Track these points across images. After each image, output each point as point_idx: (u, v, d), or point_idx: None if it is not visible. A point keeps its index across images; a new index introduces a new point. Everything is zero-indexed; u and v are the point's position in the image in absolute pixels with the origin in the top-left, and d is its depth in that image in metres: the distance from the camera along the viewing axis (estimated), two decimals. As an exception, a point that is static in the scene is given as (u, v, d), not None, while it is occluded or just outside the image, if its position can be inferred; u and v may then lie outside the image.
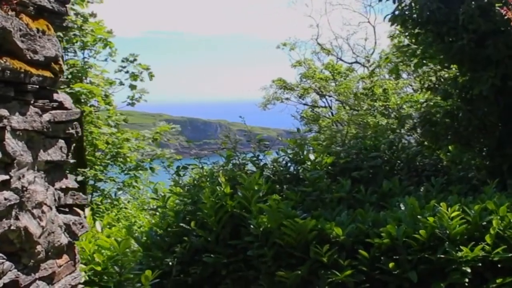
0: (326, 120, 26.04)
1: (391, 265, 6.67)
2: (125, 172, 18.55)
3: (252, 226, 7.55)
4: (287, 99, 30.16)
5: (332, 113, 27.70)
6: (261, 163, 9.70)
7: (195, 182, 9.61)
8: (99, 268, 5.96)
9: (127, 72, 19.07)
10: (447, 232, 6.61)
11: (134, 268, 7.48)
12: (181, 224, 8.37)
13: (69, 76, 17.15)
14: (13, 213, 3.36)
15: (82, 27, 17.45)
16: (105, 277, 6.11)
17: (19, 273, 3.48)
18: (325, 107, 29.01)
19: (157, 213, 9.85)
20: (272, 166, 9.64)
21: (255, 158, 9.76)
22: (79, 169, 17.08)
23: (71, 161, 4.18)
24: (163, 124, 19.94)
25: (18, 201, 3.36)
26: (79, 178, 17.03)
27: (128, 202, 15.79)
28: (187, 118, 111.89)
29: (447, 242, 6.59)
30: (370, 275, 6.82)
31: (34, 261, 3.67)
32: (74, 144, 4.21)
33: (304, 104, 29.54)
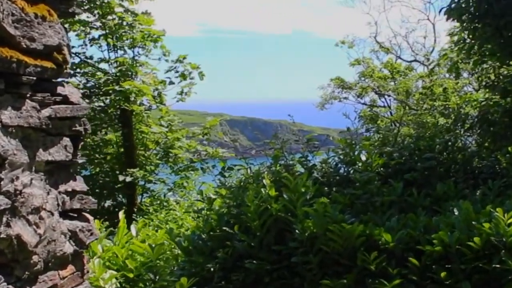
0: (384, 120, 25.59)
1: (443, 274, 6.32)
2: (176, 172, 18.49)
3: (297, 231, 7.29)
4: (345, 98, 29.84)
5: (391, 112, 27.23)
6: (310, 164, 9.40)
7: (241, 183, 9.39)
8: (131, 275, 5.78)
9: (177, 71, 19.00)
10: (504, 240, 6.21)
11: (175, 273, 7.32)
12: (224, 228, 8.15)
13: (118, 74, 17.18)
14: (4, 219, 3.10)
15: (132, 24, 17.46)
16: (140, 284, 5.92)
17: (10, 286, 3.22)
18: (384, 106, 28.52)
19: (201, 216, 9.66)
20: (321, 167, 9.33)
21: (303, 159, 9.46)
22: (128, 170, 17.08)
23: (80, 160, 3.90)
24: (211, 119, 19.71)
25: (9, 206, 3.09)
26: (128, 178, 17.12)
27: (177, 203, 15.65)
28: (248, 118, 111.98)
29: (503, 251, 6.19)
30: (420, 285, 6.48)
31: (30, 273, 3.41)
32: (82, 142, 3.95)
33: (363, 104, 29.13)
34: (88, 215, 3.86)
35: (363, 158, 8.97)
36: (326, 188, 8.59)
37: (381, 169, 8.88)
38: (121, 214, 6.38)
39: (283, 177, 8.27)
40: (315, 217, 7.17)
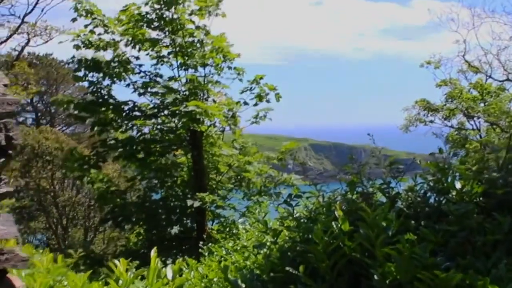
0: (473, 143, 23.57)
1: None
2: (248, 197, 17.16)
3: (375, 277, 5.61)
4: (431, 121, 27.96)
5: (480, 135, 25.15)
6: (393, 192, 7.64)
7: (312, 214, 7.77)
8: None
9: (252, 92, 17.78)
10: None
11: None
12: (287, 269, 6.52)
13: (187, 93, 16.09)
14: None
15: (204, 41, 16.36)
16: None
17: None
18: (473, 129, 26.45)
19: (262, 252, 8.11)
20: (406, 196, 7.56)
21: (385, 186, 7.71)
22: (198, 194, 15.92)
23: (5, 190, 2.35)
24: (287, 143, 18.32)
25: None
26: (196, 203, 15.93)
27: (246, 231, 14.21)
28: (332, 143, 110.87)
29: None
30: None
31: None
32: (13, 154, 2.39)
33: (450, 127, 27.14)
34: (15, 280, 2.30)
35: (458, 185, 7.15)
36: (413, 222, 6.82)
37: (481, 199, 7.03)
38: (153, 253, 4.84)
39: (359, 208, 6.59)
40: (398, 260, 5.50)
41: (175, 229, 17.48)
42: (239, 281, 7.06)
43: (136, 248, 18.50)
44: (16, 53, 24.56)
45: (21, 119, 47.35)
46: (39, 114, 47.84)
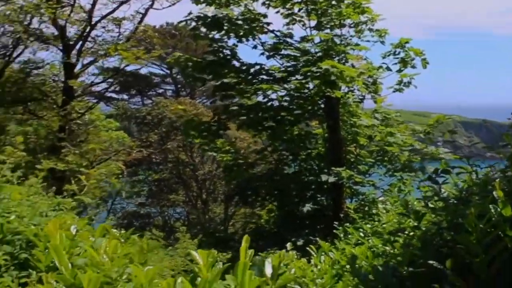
0: None
1: None
2: (391, 173, 15.88)
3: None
4: None
5: None
6: None
7: (463, 194, 6.45)
8: None
9: (396, 57, 16.40)
10: None
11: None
12: (431, 262, 5.32)
13: (320, 54, 15.00)
14: None
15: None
16: None
17: None
18: None
19: (401, 236, 6.89)
20: None
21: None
22: (333, 168, 14.89)
23: None
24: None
25: None
26: (331, 179, 14.87)
27: (387, 212, 12.95)
28: (482, 120, 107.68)
29: None
30: None
31: None
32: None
33: None
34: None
35: None
36: None
37: None
38: (245, 241, 3.78)
39: (527, 187, 5.26)
40: None
41: (307, 207, 16.53)
42: (370, 276, 5.94)
43: (268, 227, 17.78)
44: (140, 16, 24.49)
45: (160, 91, 48.09)
46: (179, 86, 48.25)
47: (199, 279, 3.68)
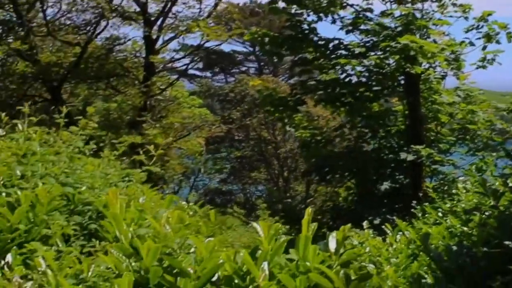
0: None
1: None
2: (472, 152, 15.37)
3: None
4: None
5: None
6: None
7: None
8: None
9: (479, 31, 15.73)
10: None
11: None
12: (507, 243, 5.09)
13: (400, 29, 14.58)
14: None
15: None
16: None
17: None
18: None
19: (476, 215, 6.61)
20: None
21: None
22: (413, 146, 14.54)
23: None
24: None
25: None
26: (410, 157, 14.52)
27: (467, 191, 12.54)
28: None
29: None
30: None
31: None
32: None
33: None
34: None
35: None
36: None
37: None
38: (307, 213, 3.67)
39: None
40: None
41: (385, 185, 16.25)
42: (443, 255, 5.70)
43: (345, 205, 17.56)
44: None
45: (243, 68, 48.00)
46: (262, 63, 48.08)
47: (259, 251, 3.57)
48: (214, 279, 3.48)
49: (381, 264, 6.68)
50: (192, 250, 3.74)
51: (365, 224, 7.72)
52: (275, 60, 42.94)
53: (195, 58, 30.64)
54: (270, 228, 3.63)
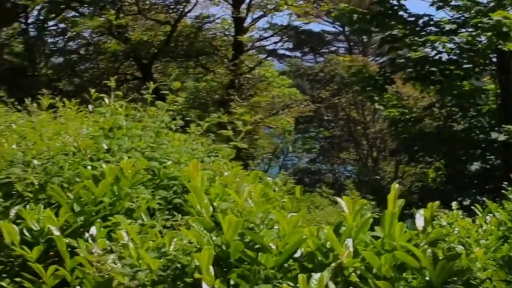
0: None
1: None
2: None
3: None
4: None
5: None
6: None
7: None
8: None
9: None
10: None
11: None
12: None
13: (492, 4, 14.07)
14: None
15: None
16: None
17: None
18: None
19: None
20: None
21: None
22: (503, 126, 14.12)
23: None
24: None
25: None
26: (502, 137, 14.07)
27: None
28: None
29: None
30: None
31: None
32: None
33: None
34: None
35: None
36: None
37: None
38: (393, 189, 3.57)
39: None
40: None
41: (476, 166, 15.83)
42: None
43: (434, 185, 17.20)
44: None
45: (333, 48, 47.52)
46: (351, 43, 47.45)
47: (343, 228, 3.48)
48: (296, 255, 3.41)
49: (470, 246, 6.47)
50: (275, 225, 3.69)
51: (454, 205, 7.50)
52: (365, 40, 42.47)
53: (284, 38, 30.53)
54: (355, 204, 3.54)
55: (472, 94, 16.90)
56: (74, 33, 26.51)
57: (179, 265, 3.36)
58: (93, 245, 3.50)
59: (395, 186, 3.69)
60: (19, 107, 6.42)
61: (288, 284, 3.14)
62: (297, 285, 3.01)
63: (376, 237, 3.60)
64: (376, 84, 17.08)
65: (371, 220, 3.64)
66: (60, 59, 29.10)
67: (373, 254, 3.36)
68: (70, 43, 28.24)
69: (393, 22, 16.25)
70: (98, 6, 23.78)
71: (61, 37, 28.09)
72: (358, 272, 3.40)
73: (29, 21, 27.21)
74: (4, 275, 3.92)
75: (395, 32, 16.40)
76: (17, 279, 3.76)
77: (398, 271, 3.43)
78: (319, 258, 3.40)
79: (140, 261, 3.35)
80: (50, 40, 28.29)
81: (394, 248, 3.40)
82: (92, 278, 3.40)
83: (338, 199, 3.58)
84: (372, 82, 17.17)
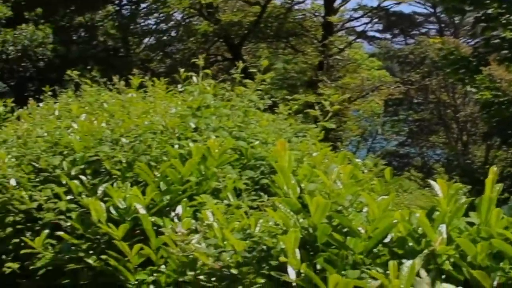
0: None
1: None
2: None
3: None
4: None
5: None
6: None
7: None
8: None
9: None
10: None
11: None
12: None
13: None
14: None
15: None
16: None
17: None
18: None
19: None
20: None
21: None
22: None
23: None
24: None
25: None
26: None
27: None
28: None
29: None
30: None
31: None
32: None
33: None
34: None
35: None
36: None
37: None
38: (491, 172, 3.35)
39: None
40: None
41: None
42: None
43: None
44: None
45: (423, 30, 46.49)
46: (442, 25, 46.28)
47: (437, 213, 3.29)
48: (386, 240, 3.25)
49: None
50: (364, 209, 3.53)
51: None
52: (456, 21, 41.30)
53: (374, 19, 30.05)
54: (450, 188, 3.33)
55: None
56: (165, 14, 26.87)
57: (264, 247, 3.27)
58: (178, 225, 3.45)
59: (494, 169, 3.45)
60: (111, 87, 6.49)
61: (377, 271, 2.98)
62: (387, 271, 2.85)
63: (471, 224, 3.40)
64: (469, 66, 16.53)
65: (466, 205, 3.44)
66: (152, 40, 29.65)
67: (468, 241, 3.15)
68: (162, 25, 28.67)
69: (487, 0, 15.66)
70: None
71: (154, 18, 28.57)
72: (452, 260, 3.20)
73: (123, 2, 27.75)
74: (90, 252, 3.97)
75: (490, 11, 15.79)
76: (103, 257, 3.78)
77: (494, 260, 3.21)
78: (410, 244, 3.23)
79: (225, 242, 3.28)
80: (142, 21, 28.85)
81: (491, 236, 3.18)
82: (177, 258, 3.35)
83: (432, 182, 3.38)
84: (465, 64, 16.63)
